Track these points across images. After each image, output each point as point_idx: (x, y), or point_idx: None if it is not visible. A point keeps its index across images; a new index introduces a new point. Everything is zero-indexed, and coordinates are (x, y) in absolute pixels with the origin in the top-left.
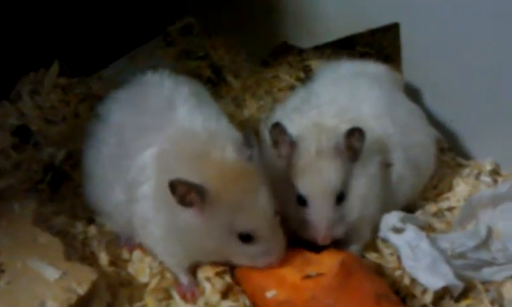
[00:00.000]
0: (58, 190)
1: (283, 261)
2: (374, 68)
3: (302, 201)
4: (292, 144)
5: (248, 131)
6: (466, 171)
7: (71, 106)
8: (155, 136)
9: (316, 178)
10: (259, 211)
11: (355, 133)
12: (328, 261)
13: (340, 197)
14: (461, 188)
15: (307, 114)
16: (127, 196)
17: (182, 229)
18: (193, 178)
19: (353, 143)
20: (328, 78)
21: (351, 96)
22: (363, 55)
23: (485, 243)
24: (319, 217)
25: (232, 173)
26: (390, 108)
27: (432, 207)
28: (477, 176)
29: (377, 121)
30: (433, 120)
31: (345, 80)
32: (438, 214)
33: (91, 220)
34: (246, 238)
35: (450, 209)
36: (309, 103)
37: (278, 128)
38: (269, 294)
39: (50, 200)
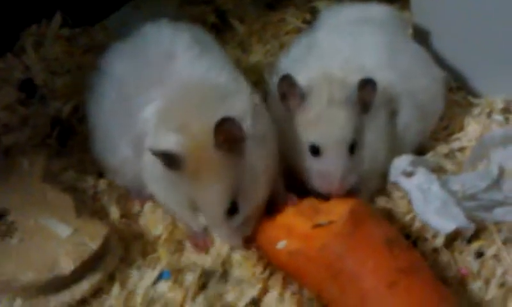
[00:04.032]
0: (66, 145)
1: (293, 212)
2: (378, 11)
3: (315, 151)
4: (302, 96)
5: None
6: (477, 109)
7: (75, 57)
8: (156, 89)
9: (330, 127)
10: (207, 201)
11: (367, 86)
12: (337, 209)
13: (353, 147)
14: (472, 128)
15: (312, 64)
16: (134, 151)
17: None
18: (174, 142)
19: (365, 95)
20: (329, 25)
21: (353, 45)
22: None
23: (497, 183)
24: (334, 166)
25: (208, 145)
26: (393, 55)
27: (443, 148)
28: (489, 115)
29: (381, 70)
30: (443, 59)
31: (347, 28)
32: (449, 155)
33: (100, 175)
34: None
35: (461, 149)
36: (312, 53)
37: (286, 80)
38: (280, 244)
39: (58, 155)
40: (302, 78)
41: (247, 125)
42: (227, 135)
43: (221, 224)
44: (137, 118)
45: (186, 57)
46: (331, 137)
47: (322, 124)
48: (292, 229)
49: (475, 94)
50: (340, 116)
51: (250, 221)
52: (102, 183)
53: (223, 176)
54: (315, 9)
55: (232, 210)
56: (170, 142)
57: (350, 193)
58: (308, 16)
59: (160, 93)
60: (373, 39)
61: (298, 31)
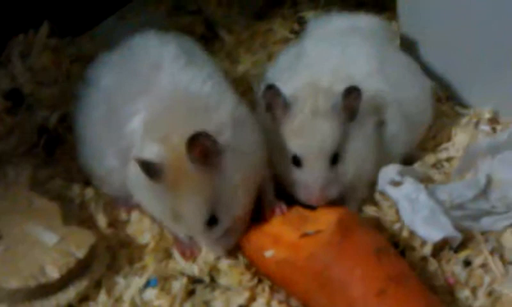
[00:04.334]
0: (53, 154)
1: (280, 221)
2: (366, 21)
3: (297, 162)
4: (286, 105)
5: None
6: (465, 120)
7: (62, 67)
8: (142, 100)
9: (311, 138)
10: (186, 212)
11: (352, 93)
12: (325, 219)
13: (335, 158)
14: (460, 138)
15: (299, 74)
16: (121, 160)
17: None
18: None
19: (350, 103)
20: (318, 34)
21: (342, 54)
22: (359, 5)
23: (484, 192)
24: (313, 177)
25: (186, 157)
26: (382, 65)
27: (431, 158)
28: (476, 125)
29: (370, 79)
30: (430, 69)
31: (336, 37)
32: (436, 165)
33: (87, 183)
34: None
35: (449, 159)
36: (300, 63)
37: (271, 90)
38: (268, 253)
39: (45, 164)
40: (288, 87)
41: (225, 137)
42: (201, 149)
43: (201, 235)
44: (124, 128)
45: (172, 67)
46: (312, 148)
47: (304, 135)
48: (280, 238)
49: (463, 105)
50: (322, 127)
51: (233, 232)
52: (89, 192)
53: (200, 189)
54: (303, 19)
55: (211, 221)
56: (152, 152)
57: (335, 203)
58: (295, 26)
59: (146, 103)
60: (361, 49)
61: (286, 40)
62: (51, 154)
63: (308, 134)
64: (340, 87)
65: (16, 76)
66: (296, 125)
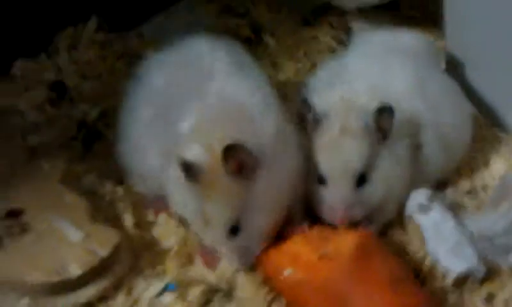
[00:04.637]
0: (91, 149)
1: (300, 240)
2: (409, 40)
3: (321, 180)
4: (317, 120)
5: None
6: (506, 147)
7: (108, 62)
8: (193, 105)
9: (336, 157)
10: (212, 216)
11: (384, 112)
12: (346, 241)
13: (362, 179)
14: (498, 166)
15: (337, 89)
16: (162, 161)
17: None
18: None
19: (382, 123)
20: (359, 50)
21: (382, 72)
22: (409, 19)
23: None
24: (338, 197)
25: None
26: (422, 86)
27: (465, 184)
28: None
29: (408, 100)
30: (475, 93)
31: (378, 54)
32: (471, 192)
33: (120, 181)
34: None
35: (484, 187)
36: (339, 77)
37: (304, 103)
38: (286, 272)
39: (81, 159)
40: (323, 102)
41: (265, 151)
42: (236, 161)
43: (222, 243)
44: (171, 130)
45: (222, 75)
46: (337, 167)
47: (330, 153)
48: (298, 257)
49: (507, 131)
50: (349, 146)
51: (254, 245)
52: (119, 190)
53: (230, 196)
54: (351, 30)
55: (234, 230)
56: (193, 154)
57: (359, 224)
58: (343, 36)
59: (194, 109)
60: (402, 68)
61: (331, 50)
62: (89, 149)
63: (334, 152)
64: (375, 105)
65: (61, 68)
66: (323, 141)
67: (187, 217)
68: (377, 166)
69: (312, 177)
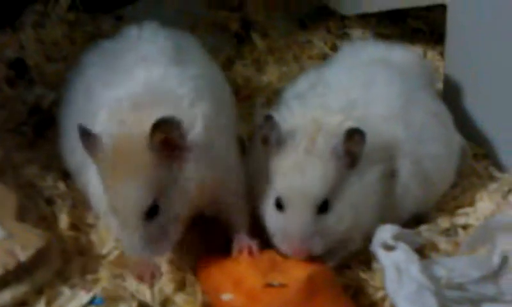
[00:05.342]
0: (41, 136)
1: (247, 263)
2: (402, 56)
3: (279, 205)
4: (281, 141)
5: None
6: (495, 185)
7: (76, 45)
8: (112, 94)
9: (297, 181)
10: (119, 202)
11: (354, 136)
12: (296, 272)
13: (324, 207)
14: (484, 205)
15: (310, 103)
16: (84, 159)
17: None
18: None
19: (352, 147)
20: (344, 63)
21: (364, 89)
22: (413, 32)
23: (495, 274)
24: (295, 225)
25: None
26: (406, 109)
27: (445, 221)
28: (506, 194)
29: (388, 123)
30: (471, 120)
31: (362, 68)
32: (449, 230)
33: (65, 175)
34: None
35: (465, 227)
36: (314, 91)
37: (268, 122)
38: (225, 297)
39: (29, 146)
40: (294, 118)
41: (195, 135)
42: (165, 137)
43: (136, 228)
44: (93, 121)
45: (152, 63)
46: (297, 192)
47: (291, 176)
48: (242, 282)
49: (500, 167)
50: (313, 169)
51: (170, 234)
52: (61, 186)
53: (146, 172)
54: (348, 36)
55: (152, 211)
56: (99, 125)
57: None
58: (338, 43)
59: (115, 97)
60: (388, 86)
61: (323, 57)
62: (40, 135)
63: (295, 175)
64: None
65: (24, 46)
66: (285, 163)
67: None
68: (344, 193)
69: (267, 201)
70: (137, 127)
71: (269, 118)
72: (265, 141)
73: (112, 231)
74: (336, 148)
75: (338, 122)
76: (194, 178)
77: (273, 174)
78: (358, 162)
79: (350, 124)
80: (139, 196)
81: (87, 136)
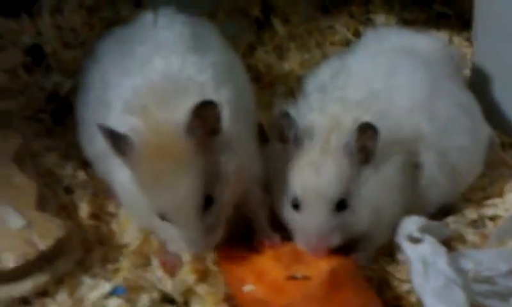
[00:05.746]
0: (61, 124)
1: (270, 255)
2: (428, 44)
3: (296, 206)
4: (297, 139)
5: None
6: None
7: (94, 31)
8: (129, 82)
9: (313, 182)
10: (171, 201)
11: (367, 131)
12: (319, 265)
13: (341, 205)
14: None
15: (329, 97)
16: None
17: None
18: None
19: (364, 143)
20: (367, 50)
21: (386, 78)
22: (439, 17)
23: None
24: (312, 226)
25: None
26: (431, 100)
27: (472, 212)
28: None
29: (410, 115)
30: (501, 108)
31: (386, 57)
32: (477, 222)
33: (85, 163)
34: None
35: (493, 218)
36: (337, 81)
37: (286, 120)
38: (248, 289)
39: (49, 133)
40: (310, 115)
41: (224, 120)
42: (205, 120)
43: (195, 222)
44: (108, 110)
45: (170, 51)
46: (312, 192)
47: (307, 176)
48: (264, 274)
49: None
50: (328, 170)
51: (221, 223)
52: (81, 175)
53: (193, 164)
54: (372, 21)
55: (208, 203)
56: (123, 123)
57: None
58: (361, 28)
59: (132, 84)
60: (412, 76)
61: (346, 43)
62: (59, 123)
63: (310, 175)
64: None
65: (41, 32)
66: (301, 163)
67: (137, 206)
68: (361, 189)
69: (285, 199)
70: (168, 117)
71: (286, 116)
72: (282, 138)
73: (157, 234)
74: (348, 145)
75: (354, 118)
76: (231, 163)
77: (290, 173)
78: (373, 157)
79: (364, 119)
80: (193, 188)
81: (113, 137)
